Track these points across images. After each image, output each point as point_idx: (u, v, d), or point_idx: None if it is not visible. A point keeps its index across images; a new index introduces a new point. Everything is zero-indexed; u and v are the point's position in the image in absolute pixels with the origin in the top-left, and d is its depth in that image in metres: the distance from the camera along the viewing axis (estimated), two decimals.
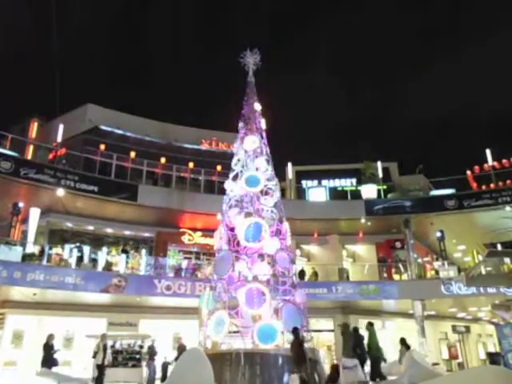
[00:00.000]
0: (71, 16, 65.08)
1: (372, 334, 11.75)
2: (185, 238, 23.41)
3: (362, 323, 23.61)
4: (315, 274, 22.34)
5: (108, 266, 19.29)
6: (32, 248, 18.48)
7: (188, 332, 17.90)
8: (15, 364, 17.15)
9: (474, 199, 22.07)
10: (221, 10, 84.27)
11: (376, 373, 10.74)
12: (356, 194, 27.43)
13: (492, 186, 23.15)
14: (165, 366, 16.49)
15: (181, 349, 15.32)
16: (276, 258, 14.82)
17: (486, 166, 24.01)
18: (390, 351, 23.66)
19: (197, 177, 26.20)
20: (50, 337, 14.77)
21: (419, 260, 24.32)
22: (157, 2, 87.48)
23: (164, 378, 15.59)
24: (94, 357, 14.86)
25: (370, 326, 12.01)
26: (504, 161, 23.72)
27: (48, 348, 14.29)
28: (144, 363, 17.43)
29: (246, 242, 14.87)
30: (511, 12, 76.25)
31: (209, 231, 21.90)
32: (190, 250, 23.87)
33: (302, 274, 21.49)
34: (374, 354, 11.13)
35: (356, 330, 11.96)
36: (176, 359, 13.82)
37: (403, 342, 13.12)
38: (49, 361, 14.16)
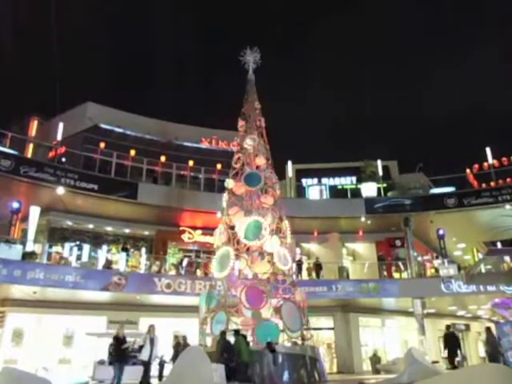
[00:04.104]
0: (71, 15, 64.91)
1: (239, 341, 11.95)
2: (185, 237, 23.39)
3: (362, 321, 23.73)
4: (318, 266, 22.18)
5: (108, 264, 19.29)
6: (32, 246, 18.47)
7: (188, 330, 17.92)
8: (15, 362, 17.13)
9: (473, 197, 22.04)
10: (222, 10, 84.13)
11: (246, 376, 11.50)
12: (356, 193, 27.43)
13: (492, 184, 23.15)
14: (161, 365, 16.29)
15: (177, 347, 14.85)
16: (276, 257, 14.84)
17: (485, 164, 24.02)
18: (390, 349, 23.89)
19: (197, 175, 26.15)
20: (121, 328, 13.02)
21: (419, 258, 24.32)
22: (157, 2, 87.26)
23: (160, 376, 15.17)
24: (139, 352, 12.95)
25: (237, 334, 12.18)
26: (504, 159, 23.71)
27: (119, 342, 12.60)
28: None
29: (245, 241, 14.89)
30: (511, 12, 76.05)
31: (209, 229, 21.87)
32: (189, 249, 23.87)
33: (299, 265, 21.37)
34: (246, 359, 11.58)
35: (223, 335, 12.17)
36: (173, 359, 13.43)
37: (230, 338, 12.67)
38: (120, 355, 12.50)
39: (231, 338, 12.47)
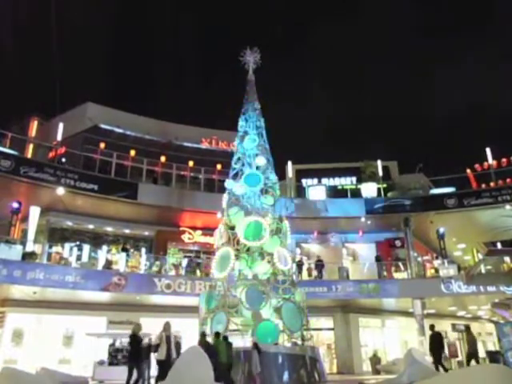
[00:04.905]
0: (71, 15, 65.02)
1: (219, 342, 12.03)
2: (185, 237, 23.41)
3: (362, 322, 23.72)
4: (321, 265, 22.20)
5: (108, 264, 19.29)
6: (32, 247, 18.47)
7: (188, 330, 17.92)
8: (15, 362, 17.13)
9: (473, 198, 22.04)
10: (222, 10, 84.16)
11: (228, 379, 11.59)
12: (356, 193, 27.41)
13: (492, 184, 23.14)
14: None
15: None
16: (276, 257, 14.83)
17: (486, 164, 24.01)
18: (390, 350, 23.87)
19: (197, 175, 26.15)
20: (137, 327, 12.18)
21: (419, 258, 24.29)
22: (157, 2, 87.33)
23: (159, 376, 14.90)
24: (156, 351, 12.01)
25: (217, 337, 12.23)
26: (503, 159, 23.70)
27: (136, 341, 11.75)
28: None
29: (245, 241, 14.89)
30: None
31: (209, 230, 21.91)
32: (189, 249, 23.87)
33: (299, 265, 21.35)
34: (224, 361, 11.67)
35: (203, 335, 12.42)
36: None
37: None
38: (138, 356, 11.73)
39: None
